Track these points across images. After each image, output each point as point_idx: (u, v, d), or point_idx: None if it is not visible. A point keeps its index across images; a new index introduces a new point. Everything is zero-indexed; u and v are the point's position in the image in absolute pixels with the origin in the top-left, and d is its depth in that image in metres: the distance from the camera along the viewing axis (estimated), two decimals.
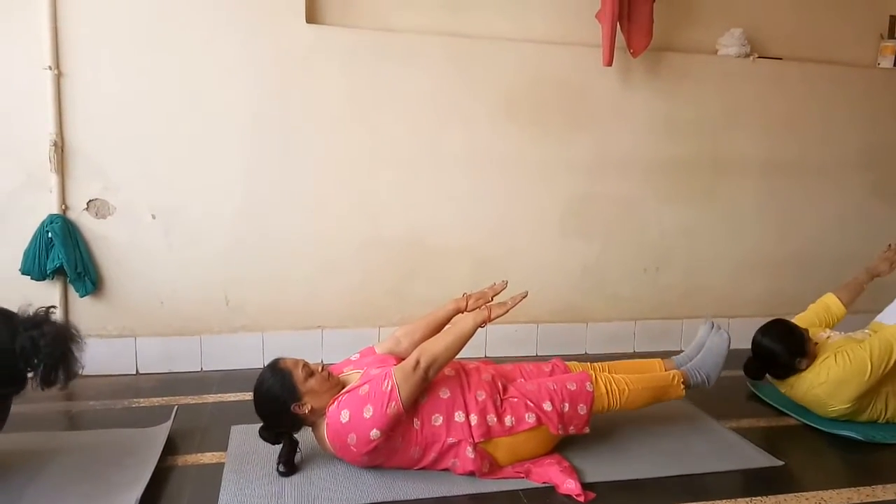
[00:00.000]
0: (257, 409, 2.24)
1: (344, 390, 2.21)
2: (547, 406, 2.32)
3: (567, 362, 2.61)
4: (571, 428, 2.36)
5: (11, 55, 2.89)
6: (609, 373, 2.54)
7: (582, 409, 2.36)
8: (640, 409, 2.50)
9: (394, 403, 2.08)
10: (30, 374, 2.03)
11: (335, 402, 2.16)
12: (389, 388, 2.10)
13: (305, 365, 2.22)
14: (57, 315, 2.12)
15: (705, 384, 2.59)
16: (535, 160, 3.55)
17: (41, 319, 2.05)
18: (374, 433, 2.09)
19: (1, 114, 2.91)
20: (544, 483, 2.22)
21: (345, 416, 2.11)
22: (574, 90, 3.55)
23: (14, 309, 2.08)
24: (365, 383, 2.16)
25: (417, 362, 2.14)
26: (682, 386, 2.53)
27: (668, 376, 2.55)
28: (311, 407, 2.18)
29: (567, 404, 2.34)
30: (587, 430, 2.38)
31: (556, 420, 2.32)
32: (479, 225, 3.53)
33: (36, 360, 2.00)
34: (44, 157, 2.94)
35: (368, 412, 2.08)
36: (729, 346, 2.61)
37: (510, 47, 3.44)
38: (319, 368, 2.24)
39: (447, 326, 2.43)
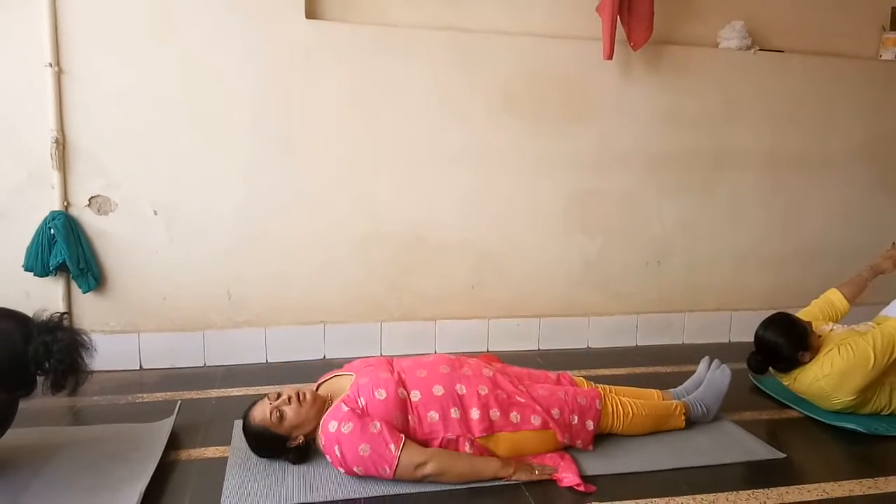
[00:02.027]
0: (259, 456, 2.27)
1: (337, 405, 2.19)
2: (555, 413, 2.34)
3: (575, 378, 2.63)
4: (578, 442, 2.38)
5: (12, 53, 2.89)
6: (615, 394, 2.56)
7: (590, 425, 2.39)
8: (638, 434, 2.52)
9: (387, 468, 2.09)
10: (40, 378, 2.06)
11: (332, 420, 2.14)
12: (391, 458, 2.08)
13: (274, 409, 2.19)
14: (70, 322, 2.14)
15: (705, 417, 2.64)
16: (536, 155, 3.54)
17: (55, 325, 2.08)
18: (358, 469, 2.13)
19: (2, 111, 2.92)
20: None
21: (337, 451, 2.12)
22: (574, 84, 3.55)
23: (28, 312, 2.10)
24: (365, 441, 2.09)
25: (424, 464, 2.11)
26: (683, 417, 2.57)
27: (670, 406, 2.58)
28: (303, 435, 2.21)
29: (576, 417, 2.37)
30: (591, 447, 2.40)
31: (564, 429, 2.34)
32: (480, 220, 3.53)
33: (47, 365, 2.03)
34: (45, 155, 2.95)
35: (365, 452, 2.08)
36: (730, 382, 2.66)
37: (510, 41, 3.44)
38: (287, 399, 2.21)
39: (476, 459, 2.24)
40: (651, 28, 3.44)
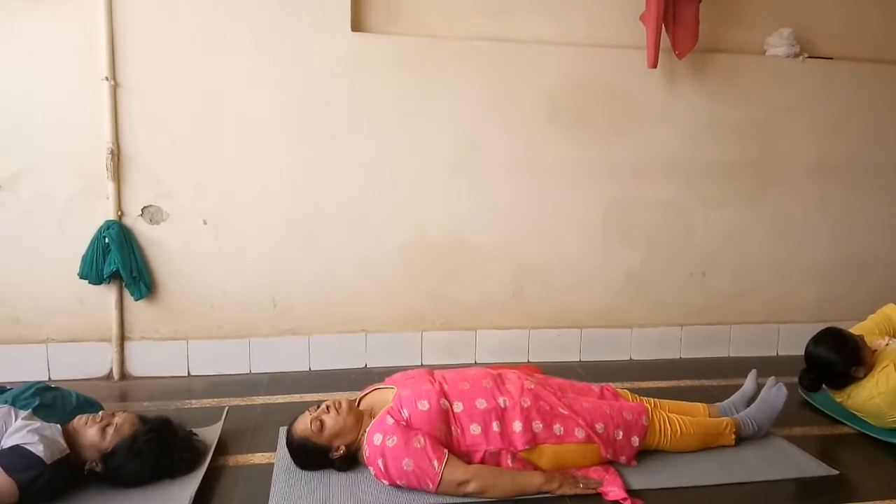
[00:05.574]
0: (305, 469, 2.29)
1: (382, 417, 2.20)
2: (599, 427, 2.31)
3: (619, 391, 2.61)
4: (622, 458, 2.34)
5: (71, 67, 3.00)
6: (662, 410, 2.52)
7: (635, 441, 2.36)
8: (686, 452, 2.46)
9: (430, 483, 2.10)
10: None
11: (377, 432, 2.16)
12: (434, 475, 2.09)
13: (315, 419, 2.23)
14: (199, 442, 2.40)
15: (756, 434, 2.58)
16: (579, 164, 3.53)
17: (186, 445, 2.28)
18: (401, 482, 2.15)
19: (61, 124, 3.02)
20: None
21: (381, 464, 2.14)
22: (618, 93, 3.53)
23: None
24: (409, 456, 2.11)
25: (467, 482, 2.11)
26: (734, 435, 2.52)
27: (720, 424, 2.53)
28: (344, 445, 2.24)
29: (621, 432, 2.34)
30: (635, 462, 2.36)
31: (608, 444, 2.31)
32: (523, 229, 3.52)
33: (158, 474, 2.18)
34: (101, 166, 3.04)
35: (409, 466, 2.10)
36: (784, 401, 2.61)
37: (553, 51, 3.44)
38: (326, 409, 2.25)
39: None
40: (696, 36, 3.41)
